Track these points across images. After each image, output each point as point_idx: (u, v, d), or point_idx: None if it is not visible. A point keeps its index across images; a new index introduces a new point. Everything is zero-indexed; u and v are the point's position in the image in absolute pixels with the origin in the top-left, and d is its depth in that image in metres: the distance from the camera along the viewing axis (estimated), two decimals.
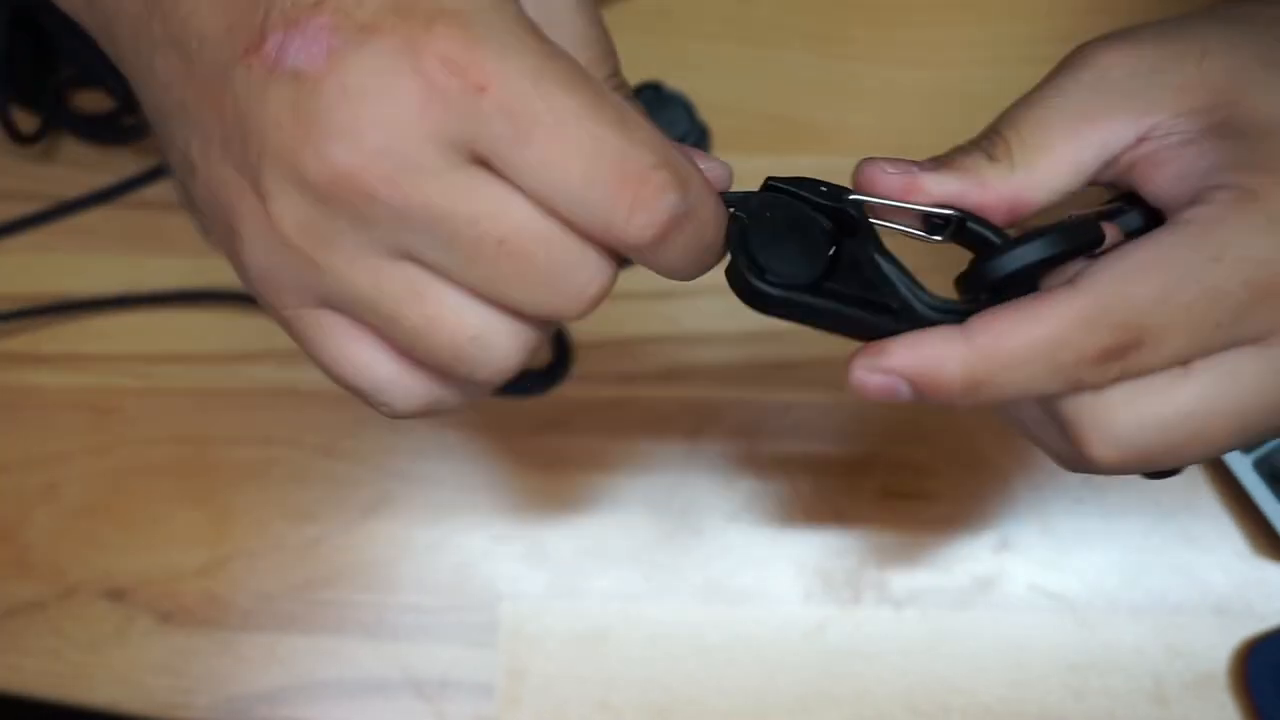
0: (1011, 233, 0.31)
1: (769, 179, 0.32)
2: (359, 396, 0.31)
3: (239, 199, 0.28)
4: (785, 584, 0.52)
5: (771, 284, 0.31)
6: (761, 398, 0.54)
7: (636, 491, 0.53)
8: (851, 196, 0.31)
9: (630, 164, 0.26)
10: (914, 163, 0.32)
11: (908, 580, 0.52)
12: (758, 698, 0.51)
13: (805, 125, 0.57)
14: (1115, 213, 0.32)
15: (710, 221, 0.29)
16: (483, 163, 0.27)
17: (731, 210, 0.31)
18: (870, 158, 0.32)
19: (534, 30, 0.27)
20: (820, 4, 0.58)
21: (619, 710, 0.51)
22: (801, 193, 0.31)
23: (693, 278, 0.30)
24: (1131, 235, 0.32)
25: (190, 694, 0.52)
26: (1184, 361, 0.29)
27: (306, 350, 0.30)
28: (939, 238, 0.32)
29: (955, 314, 0.30)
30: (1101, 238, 0.31)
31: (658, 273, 0.29)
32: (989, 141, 0.32)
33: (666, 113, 0.55)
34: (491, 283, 0.28)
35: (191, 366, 0.55)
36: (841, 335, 0.32)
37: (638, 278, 0.55)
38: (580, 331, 0.54)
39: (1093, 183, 0.33)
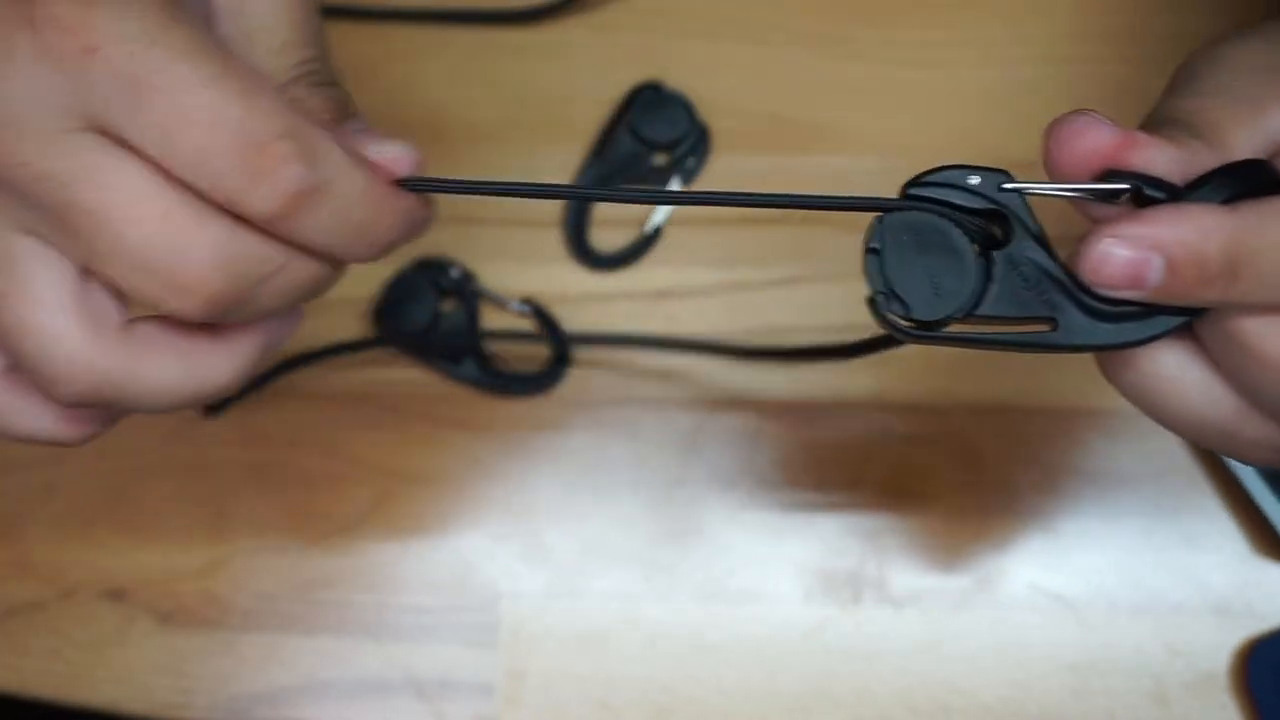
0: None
1: (908, 187, 0.28)
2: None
3: None
4: (785, 584, 0.52)
5: (919, 321, 0.28)
6: (761, 398, 0.54)
7: (636, 491, 0.53)
8: (1007, 186, 0.28)
9: (251, 134, 0.26)
10: (1140, 133, 0.29)
11: (908, 580, 0.52)
12: (758, 698, 0.51)
13: (805, 125, 0.57)
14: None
15: (358, 200, 0.28)
16: (104, 131, 0.26)
17: (868, 240, 0.28)
18: (1067, 116, 0.29)
19: None
20: (820, 4, 0.58)
21: (619, 710, 0.51)
22: (948, 205, 0.28)
23: (367, 258, 0.29)
24: None
25: (190, 694, 0.52)
26: None
27: None
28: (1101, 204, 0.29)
29: (1132, 320, 0.28)
30: (1276, 176, 0.28)
31: (331, 256, 0.29)
32: (1179, 127, 0.30)
33: (666, 113, 0.55)
34: (87, 260, 0.27)
35: None
36: (998, 350, 0.29)
37: (638, 278, 0.55)
38: (580, 331, 0.54)
39: None
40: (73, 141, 0.26)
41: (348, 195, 0.28)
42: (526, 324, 0.55)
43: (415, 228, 0.30)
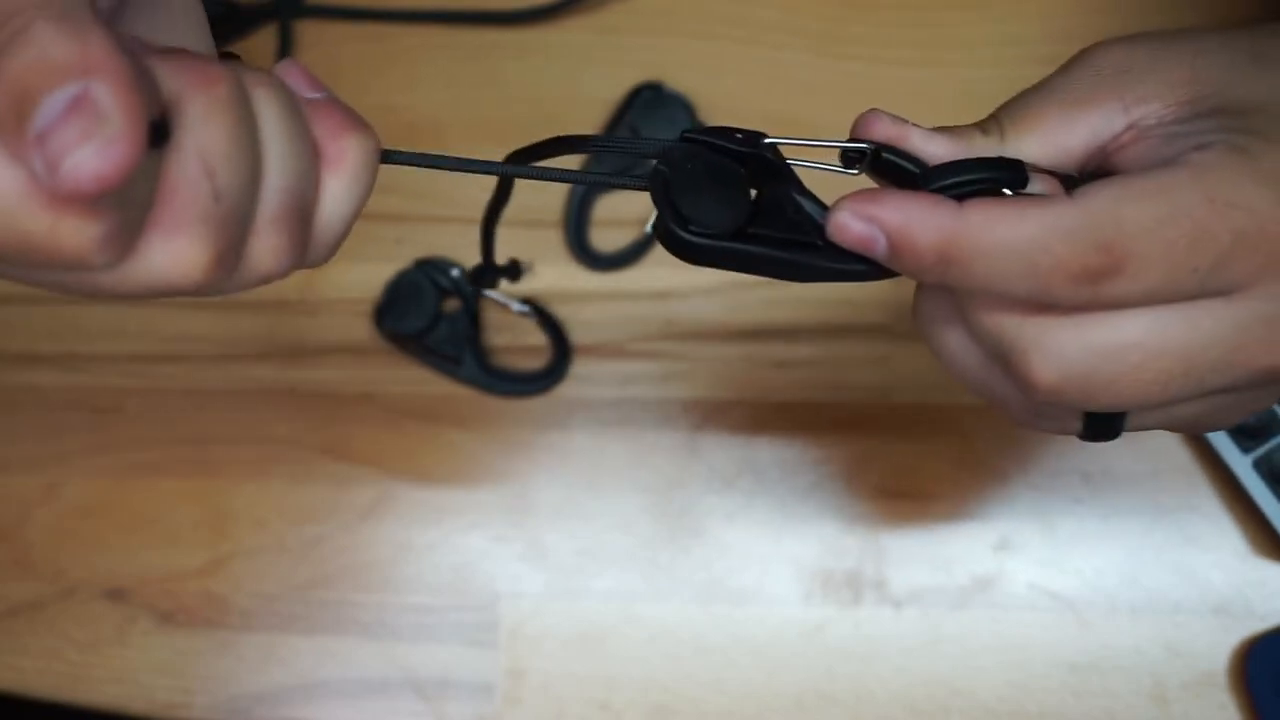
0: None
1: (684, 132, 0.32)
2: None
3: None
4: (785, 584, 0.52)
5: (697, 234, 0.31)
6: (761, 398, 0.54)
7: (636, 491, 0.53)
8: (766, 140, 0.32)
9: None
10: (911, 123, 0.32)
11: (908, 580, 0.52)
12: (758, 698, 0.51)
13: (805, 125, 0.56)
14: (1065, 177, 0.32)
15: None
16: None
17: (654, 164, 0.31)
18: (877, 108, 0.32)
19: None
20: (820, 4, 0.58)
21: (619, 710, 0.51)
22: (718, 142, 0.32)
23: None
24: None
25: (190, 694, 0.52)
26: (1151, 302, 0.29)
27: None
28: (855, 170, 0.33)
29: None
30: (1025, 177, 0.31)
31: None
32: (985, 122, 0.33)
33: (666, 113, 0.55)
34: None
35: (191, 366, 0.55)
36: (772, 277, 0.32)
37: (638, 278, 0.55)
38: (580, 331, 0.55)
39: (1080, 171, 0.33)
40: None
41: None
42: (527, 324, 0.55)
43: None
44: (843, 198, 0.30)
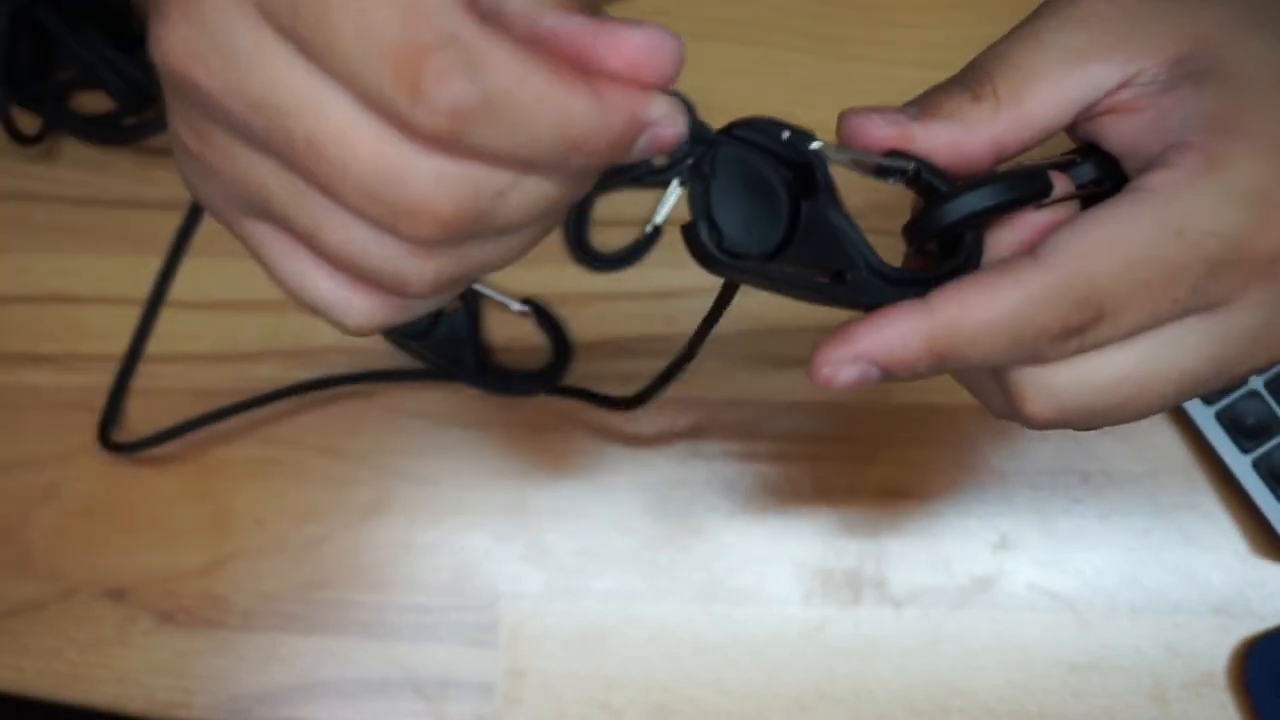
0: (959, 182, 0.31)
1: (732, 124, 0.30)
2: (317, 316, 0.28)
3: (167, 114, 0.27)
4: (785, 584, 0.52)
5: (730, 253, 0.29)
6: (761, 398, 0.54)
7: (636, 491, 0.53)
8: (813, 146, 0.30)
9: (402, 43, 0.23)
10: (902, 111, 0.31)
11: (908, 580, 0.52)
12: (758, 698, 0.51)
13: (805, 125, 0.57)
14: (1068, 164, 0.32)
15: (541, 110, 0.24)
16: (279, 29, 0.24)
17: (690, 162, 0.30)
18: (856, 108, 0.31)
19: None
20: (820, 4, 0.58)
21: (619, 710, 0.51)
22: (764, 144, 0.30)
23: (596, 164, 0.26)
24: (1084, 188, 0.32)
25: (190, 694, 0.52)
26: (1140, 333, 0.30)
27: (265, 270, 0.28)
28: (890, 181, 0.31)
29: (910, 284, 0.30)
30: (1049, 188, 0.31)
31: (548, 169, 0.25)
32: (974, 79, 0.31)
33: None
34: (328, 189, 0.25)
35: (191, 366, 0.55)
36: (789, 297, 0.31)
37: (637, 278, 0.55)
38: (580, 331, 0.54)
39: (1068, 129, 0.32)
40: (283, 62, 0.24)
41: (526, 106, 0.24)
42: (527, 324, 0.55)
43: (635, 128, 0.26)
44: (816, 350, 0.30)
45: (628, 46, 0.26)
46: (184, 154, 0.27)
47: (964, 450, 0.54)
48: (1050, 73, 0.31)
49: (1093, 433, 0.54)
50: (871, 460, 0.54)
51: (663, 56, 0.27)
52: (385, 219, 0.25)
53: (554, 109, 0.24)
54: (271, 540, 0.53)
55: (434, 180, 0.24)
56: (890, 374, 0.30)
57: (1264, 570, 0.52)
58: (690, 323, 0.56)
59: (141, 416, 0.54)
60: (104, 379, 0.54)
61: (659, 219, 0.59)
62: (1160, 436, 0.53)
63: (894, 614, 0.52)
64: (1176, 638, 0.52)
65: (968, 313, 0.29)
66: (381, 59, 0.23)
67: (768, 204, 0.30)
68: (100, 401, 0.54)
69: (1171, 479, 0.53)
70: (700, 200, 0.30)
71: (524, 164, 0.25)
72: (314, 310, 0.28)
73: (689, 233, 0.30)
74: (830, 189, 0.30)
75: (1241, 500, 0.52)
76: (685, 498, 0.53)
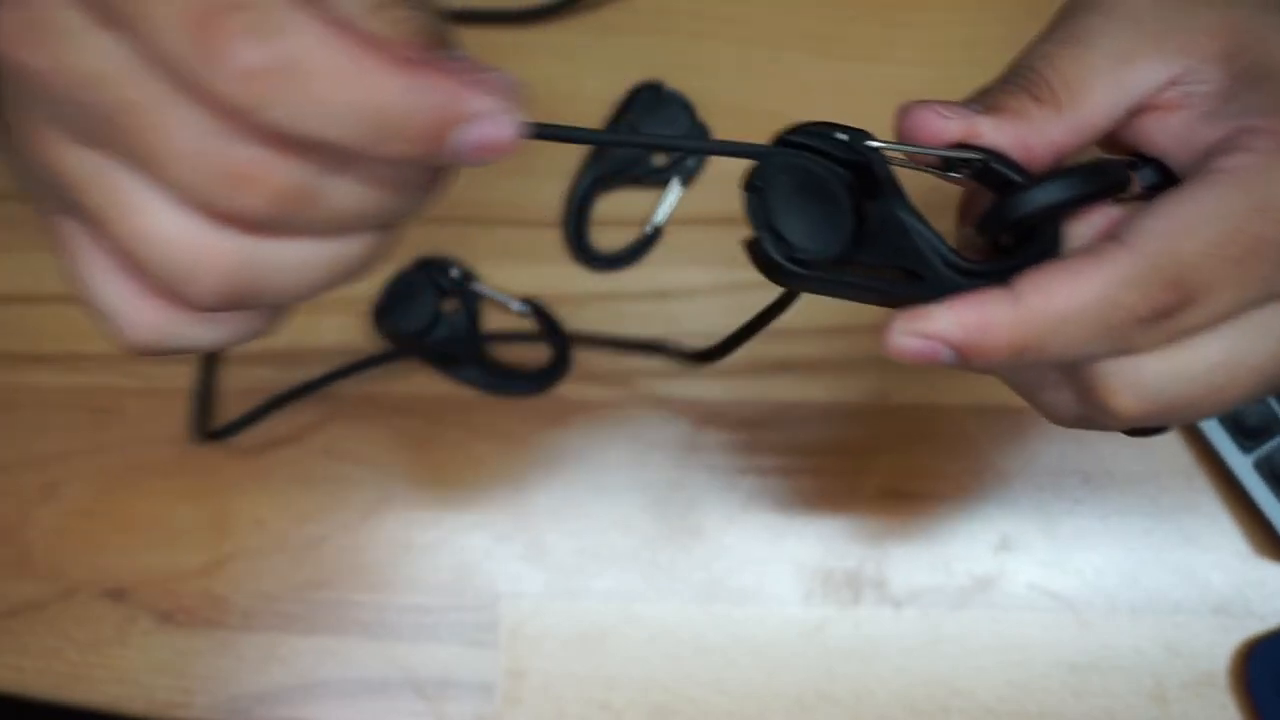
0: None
1: (783, 133, 0.29)
2: (100, 323, 0.27)
3: None
4: (785, 584, 0.52)
5: (800, 262, 0.28)
6: (761, 398, 0.54)
7: (636, 491, 0.53)
8: (871, 144, 0.29)
9: (203, 4, 0.22)
10: (964, 105, 0.31)
11: (908, 580, 0.52)
12: (758, 698, 0.51)
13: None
14: (1130, 165, 0.32)
15: (343, 81, 0.23)
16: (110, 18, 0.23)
17: (749, 179, 0.29)
18: (915, 101, 0.31)
19: None
20: (820, 4, 0.58)
21: (619, 710, 0.51)
22: (822, 147, 0.29)
23: (400, 154, 0.24)
24: (1148, 189, 0.31)
25: (190, 694, 0.52)
26: (1229, 317, 0.29)
27: (64, 267, 0.27)
28: (956, 174, 0.31)
29: (988, 276, 0.29)
30: (1127, 181, 0.30)
31: (355, 152, 0.24)
32: (1030, 81, 0.31)
33: (666, 112, 0.55)
34: (147, 164, 0.24)
35: (191, 366, 0.55)
36: (866, 303, 0.30)
37: (638, 278, 0.55)
38: (580, 331, 0.54)
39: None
40: (94, 34, 0.23)
41: (328, 75, 0.22)
42: (527, 324, 0.55)
43: (449, 117, 0.24)
44: (892, 320, 0.29)
45: (462, 66, 0.24)
46: (21, 144, 0.26)
47: (965, 451, 0.54)
48: (1102, 75, 0.31)
49: (1094, 433, 0.54)
50: (872, 461, 0.54)
51: (503, 99, 0.24)
52: (218, 189, 0.24)
53: (357, 83, 0.23)
54: (271, 540, 0.53)
55: (246, 163, 0.23)
56: (966, 360, 0.29)
57: (1265, 570, 0.52)
58: (690, 323, 0.56)
59: (142, 416, 0.54)
60: (104, 379, 0.54)
61: (659, 219, 0.59)
62: (1161, 437, 0.53)
63: (894, 614, 0.52)
64: (1177, 638, 0.52)
65: (1054, 299, 0.28)
66: (183, 22, 0.22)
67: (830, 209, 0.29)
68: (101, 402, 0.54)
69: (1172, 479, 0.53)
70: (759, 212, 0.29)
71: (331, 153, 0.24)
72: (98, 314, 0.27)
73: (754, 247, 0.29)
74: (895, 186, 0.29)
75: (1242, 500, 0.52)
76: (685, 498, 0.53)
